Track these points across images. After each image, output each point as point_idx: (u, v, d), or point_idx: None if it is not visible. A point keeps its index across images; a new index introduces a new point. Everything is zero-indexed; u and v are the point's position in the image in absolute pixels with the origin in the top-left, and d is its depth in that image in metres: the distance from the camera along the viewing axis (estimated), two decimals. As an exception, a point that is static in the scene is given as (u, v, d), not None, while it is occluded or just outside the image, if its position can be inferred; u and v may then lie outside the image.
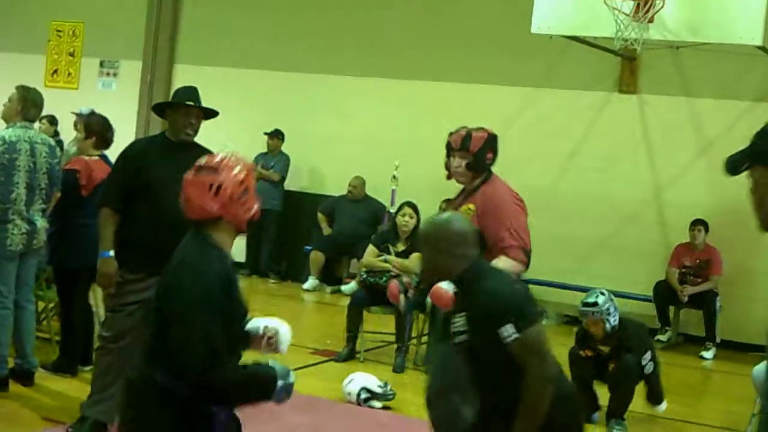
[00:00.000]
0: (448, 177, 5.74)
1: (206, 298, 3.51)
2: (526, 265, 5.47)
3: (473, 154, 5.51)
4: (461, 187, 5.82)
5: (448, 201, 6.16)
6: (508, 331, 3.81)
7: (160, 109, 6.28)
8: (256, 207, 3.82)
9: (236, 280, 3.81)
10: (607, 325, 7.17)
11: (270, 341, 3.88)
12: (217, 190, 3.76)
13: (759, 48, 9.88)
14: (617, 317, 7.23)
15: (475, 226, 4.53)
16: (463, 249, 4.07)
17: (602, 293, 7.28)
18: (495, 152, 5.57)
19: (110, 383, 5.93)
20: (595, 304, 7.19)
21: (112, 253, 5.84)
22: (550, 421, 3.83)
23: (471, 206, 5.43)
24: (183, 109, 5.99)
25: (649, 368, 7.28)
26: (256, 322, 3.92)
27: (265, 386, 3.72)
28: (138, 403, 3.59)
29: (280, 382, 3.75)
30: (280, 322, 3.93)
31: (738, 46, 9.97)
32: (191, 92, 6.11)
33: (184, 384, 3.44)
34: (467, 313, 3.99)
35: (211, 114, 6.12)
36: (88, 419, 5.93)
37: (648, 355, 7.29)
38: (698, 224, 11.14)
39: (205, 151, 6.17)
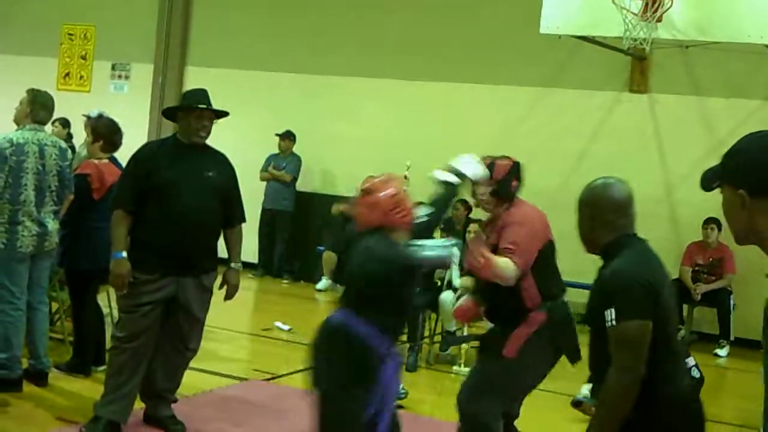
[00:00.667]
0: (476, 205, 5.72)
1: None
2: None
3: (497, 182, 5.51)
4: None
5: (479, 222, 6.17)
6: (610, 315, 3.64)
7: (170, 113, 6.33)
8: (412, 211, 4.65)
9: None
10: None
11: None
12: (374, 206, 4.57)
13: (767, 46, 9.89)
14: None
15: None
16: (612, 217, 3.94)
17: None
18: (519, 180, 5.57)
19: (123, 383, 5.97)
20: None
21: (125, 254, 5.88)
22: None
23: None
24: (195, 112, 6.03)
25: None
26: None
27: None
28: None
29: None
30: None
31: (747, 45, 9.99)
32: (202, 95, 6.16)
33: None
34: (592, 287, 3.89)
35: (221, 115, 6.17)
36: (101, 419, 5.96)
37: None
38: (711, 222, 11.14)
39: (216, 153, 6.23)
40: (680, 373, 3.85)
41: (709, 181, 2.56)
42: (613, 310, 3.63)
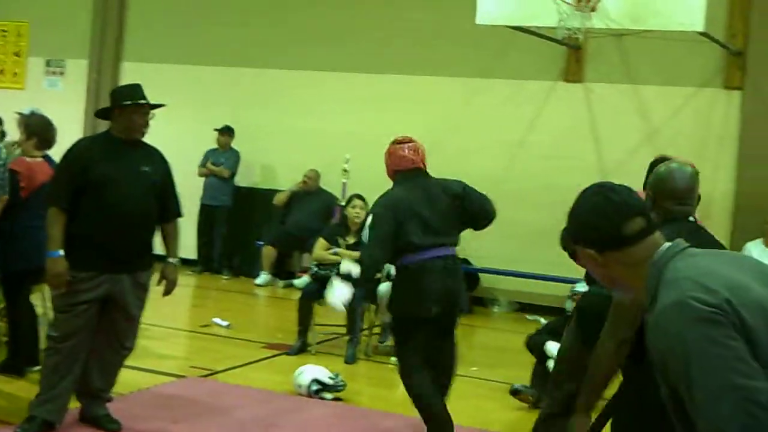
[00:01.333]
0: None
1: None
2: None
3: None
4: None
5: None
6: None
7: (104, 112, 6.20)
8: None
9: None
10: None
11: None
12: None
13: (701, 34, 10.01)
14: None
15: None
16: (671, 204, 4.09)
17: None
18: None
19: (58, 382, 5.90)
20: None
21: (62, 252, 5.80)
22: None
23: None
24: (133, 108, 5.94)
25: None
26: None
27: None
28: None
29: None
30: None
31: (680, 33, 10.11)
32: (138, 90, 6.09)
33: None
34: None
35: (156, 107, 6.09)
36: (36, 418, 5.89)
37: None
38: (645, 209, 11.26)
39: (151, 148, 6.17)
40: None
41: (566, 243, 2.69)
42: None
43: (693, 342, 2.19)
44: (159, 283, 6.21)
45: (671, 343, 2.23)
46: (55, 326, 5.97)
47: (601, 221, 2.51)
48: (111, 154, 5.93)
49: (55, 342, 5.90)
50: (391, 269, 8.94)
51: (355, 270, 5.99)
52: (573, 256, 3.05)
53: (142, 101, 5.98)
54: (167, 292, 6.25)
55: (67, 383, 5.94)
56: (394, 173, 6.12)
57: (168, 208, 6.20)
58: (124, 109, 5.97)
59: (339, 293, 6.21)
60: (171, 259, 6.24)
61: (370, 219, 5.86)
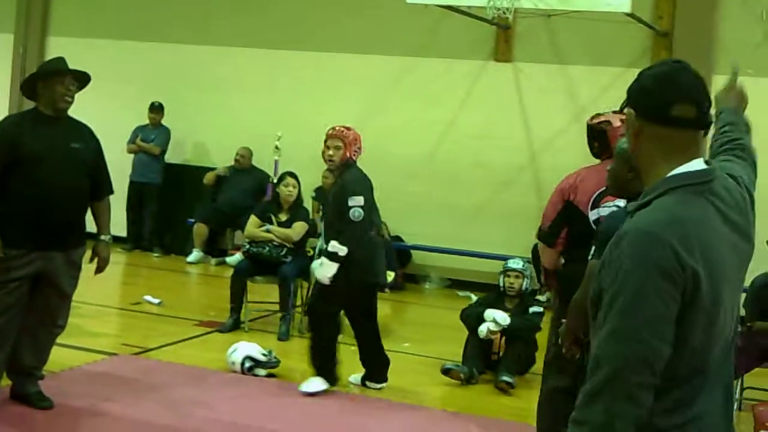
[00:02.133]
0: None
1: None
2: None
3: None
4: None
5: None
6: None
7: (29, 87, 6.08)
8: None
9: None
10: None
11: None
12: None
13: (628, 15, 10.17)
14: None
15: None
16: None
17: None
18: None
19: None
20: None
21: None
22: None
23: None
24: (58, 78, 5.88)
25: None
26: None
27: None
28: None
29: None
30: None
31: (608, 14, 10.26)
32: (62, 62, 6.04)
33: None
34: None
35: (83, 80, 6.03)
36: None
37: None
38: (573, 187, 11.42)
39: (80, 125, 6.13)
40: None
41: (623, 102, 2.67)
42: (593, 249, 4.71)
43: (642, 279, 2.26)
44: (91, 260, 6.18)
45: (625, 260, 2.29)
46: None
47: (657, 88, 2.48)
48: (40, 130, 5.88)
49: None
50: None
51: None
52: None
53: (65, 70, 5.92)
54: (99, 269, 6.23)
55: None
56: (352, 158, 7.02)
57: (99, 186, 6.17)
58: (47, 80, 5.90)
59: (327, 270, 6.89)
60: (103, 237, 6.20)
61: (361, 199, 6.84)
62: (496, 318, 7.73)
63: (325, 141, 7.00)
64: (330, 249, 6.87)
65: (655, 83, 2.49)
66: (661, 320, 2.25)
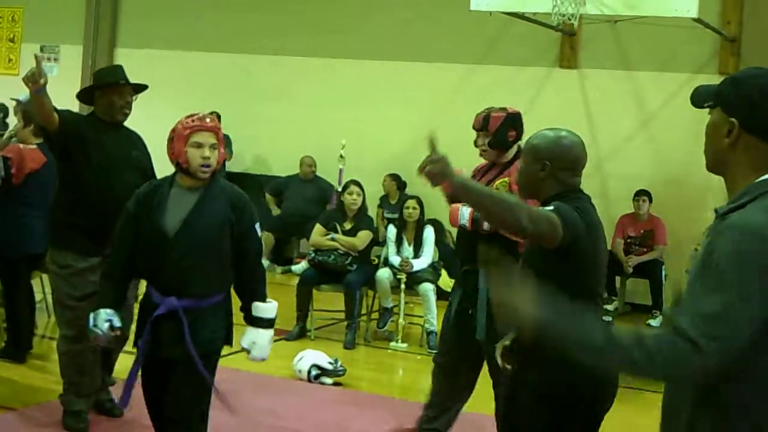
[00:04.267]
0: (480, 154, 5.89)
1: None
2: None
3: (493, 134, 5.68)
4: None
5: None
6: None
7: (87, 95, 6.07)
8: (177, 158, 4.54)
9: None
10: None
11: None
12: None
13: (695, 20, 10.04)
14: None
15: None
16: (567, 175, 3.93)
17: None
18: (518, 129, 5.73)
19: (83, 380, 5.95)
20: None
21: None
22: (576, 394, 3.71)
23: (506, 179, 5.56)
24: (116, 89, 5.85)
25: None
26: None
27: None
28: None
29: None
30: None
31: (674, 19, 10.12)
32: (119, 71, 6.04)
33: None
34: None
35: (140, 89, 6.01)
36: (81, 413, 5.95)
37: None
38: (642, 195, 11.31)
39: (133, 132, 6.11)
40: None
41: (702, 98, 2.62)
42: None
43: (744, 270, 2.29)
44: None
45: (729, 247, 2.32)
46: (67, 324, 5.84)
47: (765, 102, 2.46)
48: (102, 137, 5.82)
49: (73, 343, 5.81)
50: (390, 256, 9.05)
51: None
52: None
53: (122, 81, 5.89)
54: None
55: (93, 378, 5.96)
56: None
57: None
58: (104, 90, 5.88)
59: None
60: None
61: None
62: None
63: None
64: None
65: (763, 97, 2.47)
66: (748, 311, 2.29)
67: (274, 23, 13.66)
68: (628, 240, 11.37)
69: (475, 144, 5.86)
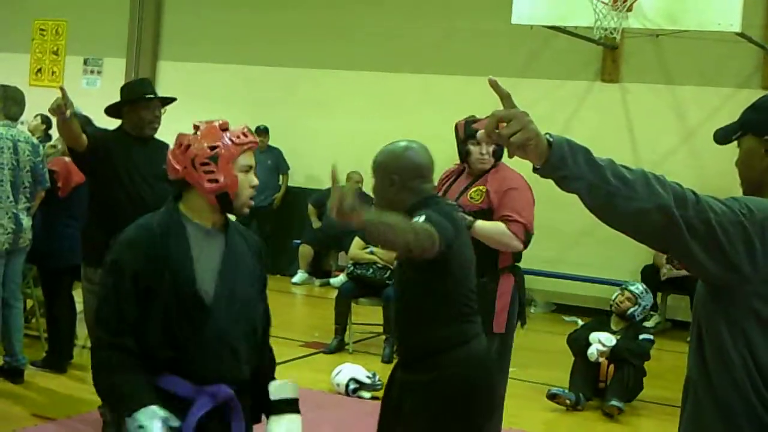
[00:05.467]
0: (462, 161, 5.78)
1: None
2: (523, 243, 5.57)
3: (497, 143, 5.74)
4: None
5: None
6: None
7: (114, 109, 6.02)
8: (226, 185, 3.33)
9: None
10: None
11: None
12: (185, 148, 3.42)
13: (738, 34, 9.96)
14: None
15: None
16: (418, 183, 4.03)
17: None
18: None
19: None
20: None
21: None
22: (460, 381, 3.87)
23: (482, 188, 5.52)
24: (144, 103, 5.83)
25: None
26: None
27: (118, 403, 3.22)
28: None
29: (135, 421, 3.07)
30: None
31: (717, 33, 10.05)
32: (146, 84, 6.04)
33: None
34: None
35: (167, 102, 6.00)
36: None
37: None
38: (684, 209, 11.20)
39: (162, 144, 6.11)
40: (473, 332, 3.99)
41: (726, 133, 2.65)
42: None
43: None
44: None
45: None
46: None
47: None
48: (128, 150, 5.80)
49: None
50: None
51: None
52: None
53: (150, 95, 5.88)
54: None
55: None
56: None
57: None
58: (132, 105, 5.86)
59: None
60: None
61: None
62: (601, 339, 7.62)
63: None
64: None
65: None
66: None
67: (318, 36, 13.66)
68: (670, 255, 11.26)
69: (464, 152, 5.77)
